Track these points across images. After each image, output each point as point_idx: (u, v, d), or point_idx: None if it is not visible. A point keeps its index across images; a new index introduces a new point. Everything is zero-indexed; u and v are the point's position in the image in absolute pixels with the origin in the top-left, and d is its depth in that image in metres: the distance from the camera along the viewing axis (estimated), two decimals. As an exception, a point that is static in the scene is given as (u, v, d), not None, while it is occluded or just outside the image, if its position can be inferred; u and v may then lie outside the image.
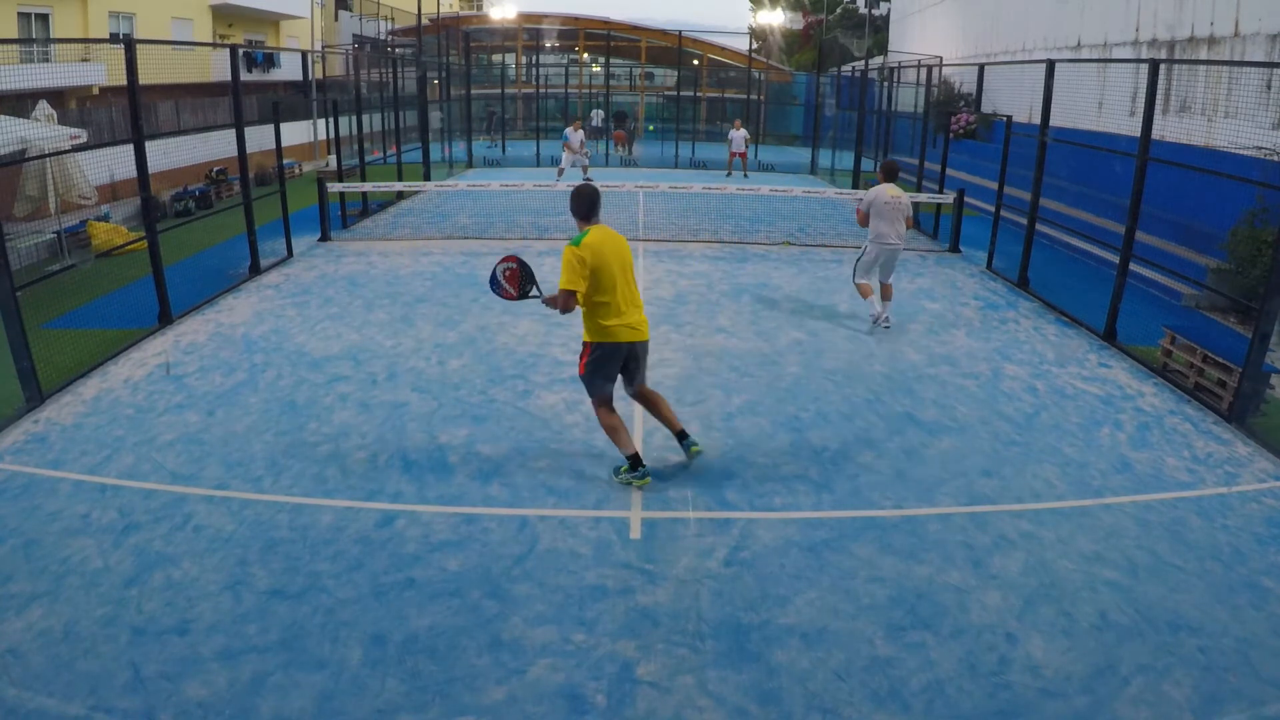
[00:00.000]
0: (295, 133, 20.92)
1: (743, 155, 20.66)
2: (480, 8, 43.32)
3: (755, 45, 37.14)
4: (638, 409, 5.56)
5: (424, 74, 19.02)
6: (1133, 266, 7.92)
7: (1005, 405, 6.24)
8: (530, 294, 5.12)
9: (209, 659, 3.42)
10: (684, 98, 26.51)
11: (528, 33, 34.60)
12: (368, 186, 13.13)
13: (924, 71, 17.94)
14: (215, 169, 16.21)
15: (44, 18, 16.52)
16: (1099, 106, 13.54)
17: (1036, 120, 9.63)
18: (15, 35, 15.45)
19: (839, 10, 37.53)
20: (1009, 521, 4.61)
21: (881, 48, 29.92)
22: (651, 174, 20.75)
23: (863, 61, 25.15)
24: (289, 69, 23.88)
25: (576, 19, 33.42)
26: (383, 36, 30.64)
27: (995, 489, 4.98)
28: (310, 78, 21.73)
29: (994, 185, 10.99)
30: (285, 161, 12.45)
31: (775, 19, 40.63)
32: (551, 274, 10.22)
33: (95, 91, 16.58)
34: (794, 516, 4.62)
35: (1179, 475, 5.24)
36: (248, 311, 8.30)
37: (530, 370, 6.71)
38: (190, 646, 3.49)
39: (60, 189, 10.14)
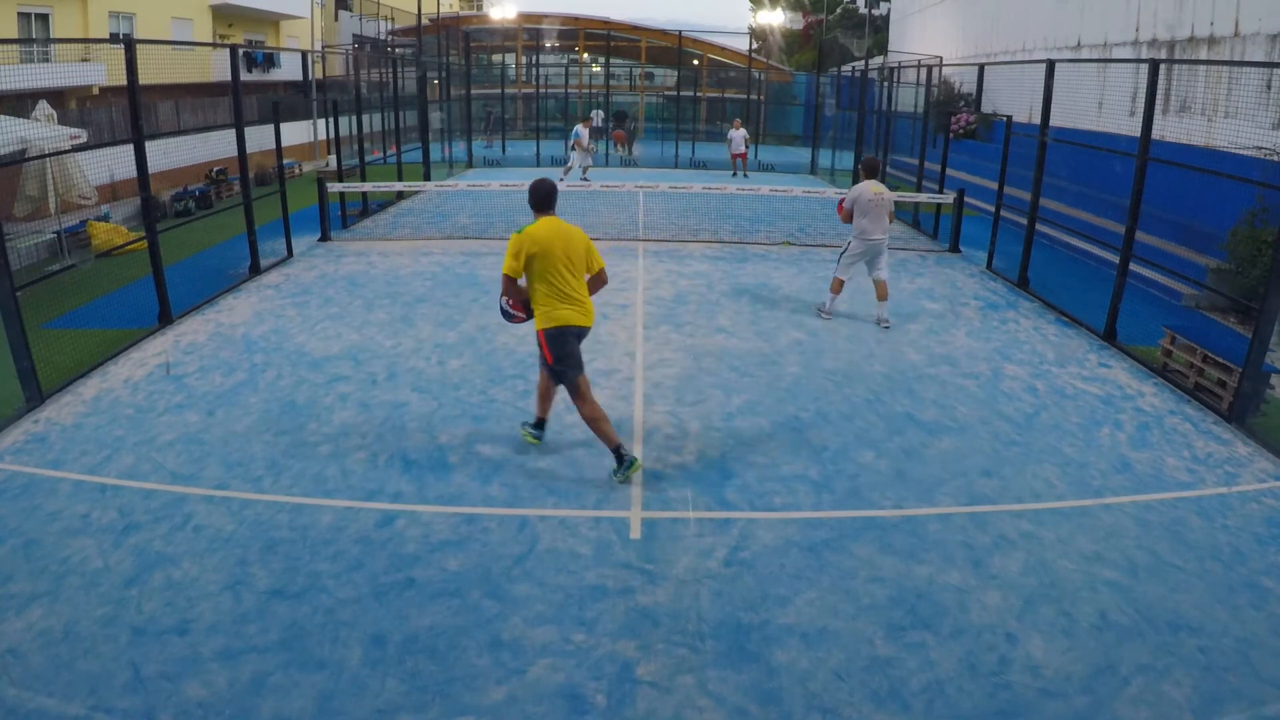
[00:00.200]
0: (295, 133, 20.91)
1: (743, 156, 20.67)
2: (480, 8, 43.32)
3: (755, 45, 37.14)
4: (632, 406, 5.54)
5: (424, 74, 19.02)
6: (1133, 266, 7.92)
7: (1005, 405, 6.24)
8: None
9: (209, 659, 3.42)
10: (684, 98, 26.50)
11: (528, 33, 34.60)
12: (368, 186, 13.13)
13: (924, 71, 17.93)
14: (215, 169, 16.20)
15: (44, 18, 16.52)
16: (1099, 106, 13.54)
17: (1036, 120, 9.63)
18: (15, 35, 15.45)
19: (839, 10, 37.53)
20: (1009, 521, 4.61)
21: (881, 48, 29.92)
22: (651, 174, 20.75)
23: (863, 61, 25.15)
24: (289, 69, 23.88)
25: (576, 19, 33.41)
26: (383, 36, 30.64)
27: (995, 489, 4.98)
28: (310, 78, 21.73)
29: (994, 185, 10.99)
30: (285, 161, 12.45)
31: (775, 19, 40.64)
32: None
33: (95, 91, 16.57)
34: (794, 516, 4.62)
35: (1179, 475, 5.24)
36: (248, 311, 8.30)
37: (530, 370, 6.71)
38: (190, 646, 3.49)
39: (60, 189, 10.14)
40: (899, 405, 6.18)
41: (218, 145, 15.71)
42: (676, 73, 28.44)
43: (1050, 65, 9.44)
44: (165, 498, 4.68)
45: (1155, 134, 7.65)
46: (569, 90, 29.90)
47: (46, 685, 3.25)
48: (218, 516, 4.49)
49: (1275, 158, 8.67)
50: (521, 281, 4.88)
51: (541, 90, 30.07)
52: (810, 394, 6.36)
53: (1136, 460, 5.41)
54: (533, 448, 5.34)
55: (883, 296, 8.15)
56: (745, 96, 29.16)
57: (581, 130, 18.13)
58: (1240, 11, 11.11)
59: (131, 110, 7.44)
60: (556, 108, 30.03)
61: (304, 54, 21.29)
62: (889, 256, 8.31)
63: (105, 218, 12.10)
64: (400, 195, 15.53)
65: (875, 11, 32.83)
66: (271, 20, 25.49)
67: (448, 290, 9.08)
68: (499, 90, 28.72)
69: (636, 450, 5.32)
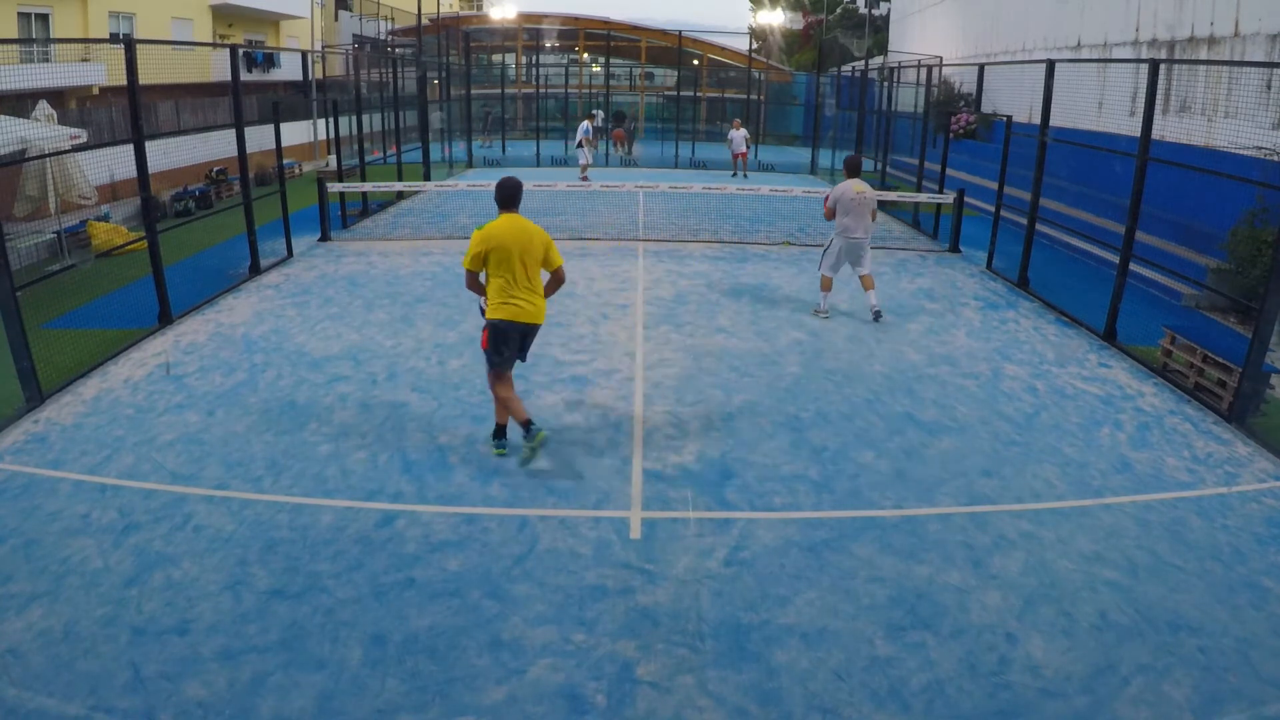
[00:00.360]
0: (295, 133, 20.91)
1: (743, 155, 20.65)
2: (480, 8, 43.31)
3: (755, 45, 37.13)
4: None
5: (424, 74, 19.02)
6: (1133, 266, 7.92)
7: (1005, 405, 6.24)
8: None
9: (209, 659, 3.42)
10: (684, 98, 26.50)
11: (528, 33, 34.60)
12: (368, 186, 13.13)
13: (924, 71, 17.94)
14: (215, 169, 16.21)
15: (44, 18, 16.51)
16: (1099, 106, 13.54)
17: (1036, 120, 9.63)
18: (15, 35, 15.44)
19: (839, 10, 37.52)
20: (1009, 521, 4.61)
21: (881, 48, 29.91)
22: (651, 174, 20.75)
23: (863, 61, 25.15)
24: (289, 69, 23.87)
25: (576, 19, 33.41)
26: (383, 36, 30.64)
27: (995, 489, 4.98)
28: (310, 78, 21.73)
29: (994, 185, 10.99)
30: (285, 161, 12.45)
31: (775, 19, 40.63)
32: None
33: (95, 91, 16.57)
34: (794, 516, 4.62)
35: (1179, 475, 5.24)
36: (248, 311, 8.30)
37: (530, 370, 6.71)
38: (190, 646, 3.49)
39: (60, 189, 10.14)
40: (899, 405, 6.18)
41: (218, 145, 15.70)
42: (676, 73, 28.44)
43: (1050, 65, 9.45)
44: (165, 498, 4.68)
45: (1155, 134, 7.65)
46: (569, 90, 29.88)
47: (46, 685, 3.25)
48: (218, 516, 4.49)
49: (1275, 158, 8.67)
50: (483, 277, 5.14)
51: (541, 90, 30.07)
52: (810, 394, 6.36)
53: (1136, 460, 5.41)
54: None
55: (869, 287, 8.32)
56: (745, 96, 29.15)
57: (589, 127, 18.28)
58: (1240, 11, 11.11)
59: (131, 110, 7.44)
60: (556, 108, 30.03)
61: (304, 54, 21.29)
62: (871, 255, 8.47)
63: (105, 218, 12.10)
64: (400, 195, 15.53)
65: (875, 11, 32.83)
66: (271, 20, 25.49)
67: (448, 290, 9.08)
68: (498, 90, 28.74)
69: (636, 449, 5.33)
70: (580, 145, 18.45)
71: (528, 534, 4.39)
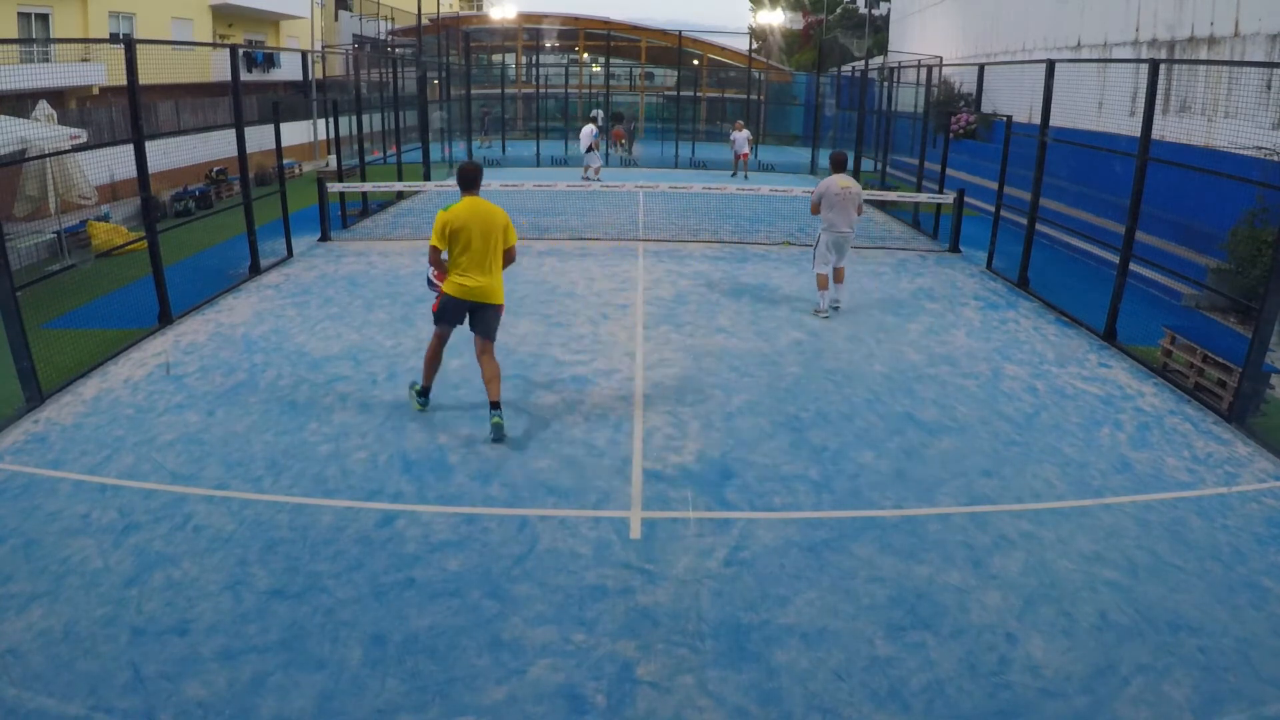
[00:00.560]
0: (295, 133, 20.91)
1: (744, 156, 20.59)
2: (480, 8, 43.31)
3: (755, 45, 37.13)
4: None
5: (424, 74, 19.02)
6: (1133, 266, 7.92)
7: (1005, 405, 6.24)
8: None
9: (209, 659, 3.42)
10: (684, 98, 26.50)
11: (528, 33, 34.60)
12: (368, 186, 13.13)
13: (924, 71, 17.94)
14: (215, 169, 16.21)
15: (44, 18, 16.52)
16: (1099, 106, 13.54)
17: (1036, 120, 9.63)
18: (15, 35, 15.44)
19: (839, 10, 37.52)
20: (1009, 521, 4.61)
21: (881, 48, 29.92)
22: (651, 174, 20.75)
23: (863, 61, 25.14)
24: (289, 69, 23.87)
25: (576, 19, 33.41)
26: (383, 36, 30.64)
27: (995, 489, 4.98)
28: (310, 78, 21.73)
29: (994, 185, 10.99)
30: (285, 161, 12.45)
31: (775, 19, 40.64)
32: (551, 273, 10.25)
33: (95, 91, 16.57)
34: (794, 516, 4.62)
35: (1179, 475, 5.24)
36: (248, 311, 8.30)
37: (530, 370, 6.71)
38: (190, 646, 3.49)
39: (60, 189, 10.14)
40: (899, 405, 6.18)
41: (218, 145, 15.70)
42: (676, 73, 28.43)
43: (1050, 65, 9.45)
44: (165, 498, 4.68)
45: (1155, 134, 7.65)
46: (569, 90, 29.89)
47: (46, 685, 3.25)
48: (218, 516, 4.49)
49: (1275, 158, 8.67)
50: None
51: (541, 90, 30.07)
52: (810, 394, 6.36)
53: (1136, 460, 5.41)
54: (532, 447, 5.34)
55: (839, 281, 8.53)
56: (745, 96, 29.15)
57: (593, 129, 18.37)
58: (1240, 11, 11.11)
59: (131, 110, 7.44)
60: (556, 108, 30.02)
61: (304, 54, 21.29)
62: (850, 252, 8.66)
63: (105, 218, 12.10)
64: (400, 195, 15.53)
65: (875, 11, 32.83)
66: (271, 20, 25.49)
67: (448, 290, 9.06)
68: (498, 90, 28.73)
69: (636, 449, 5.33)
70: (590, 149, 18.48)
71: (528, 534, 4.39)
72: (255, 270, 9.75)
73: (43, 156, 9.15)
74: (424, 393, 5.87)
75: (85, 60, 15.91)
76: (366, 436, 5.48)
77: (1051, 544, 4.39)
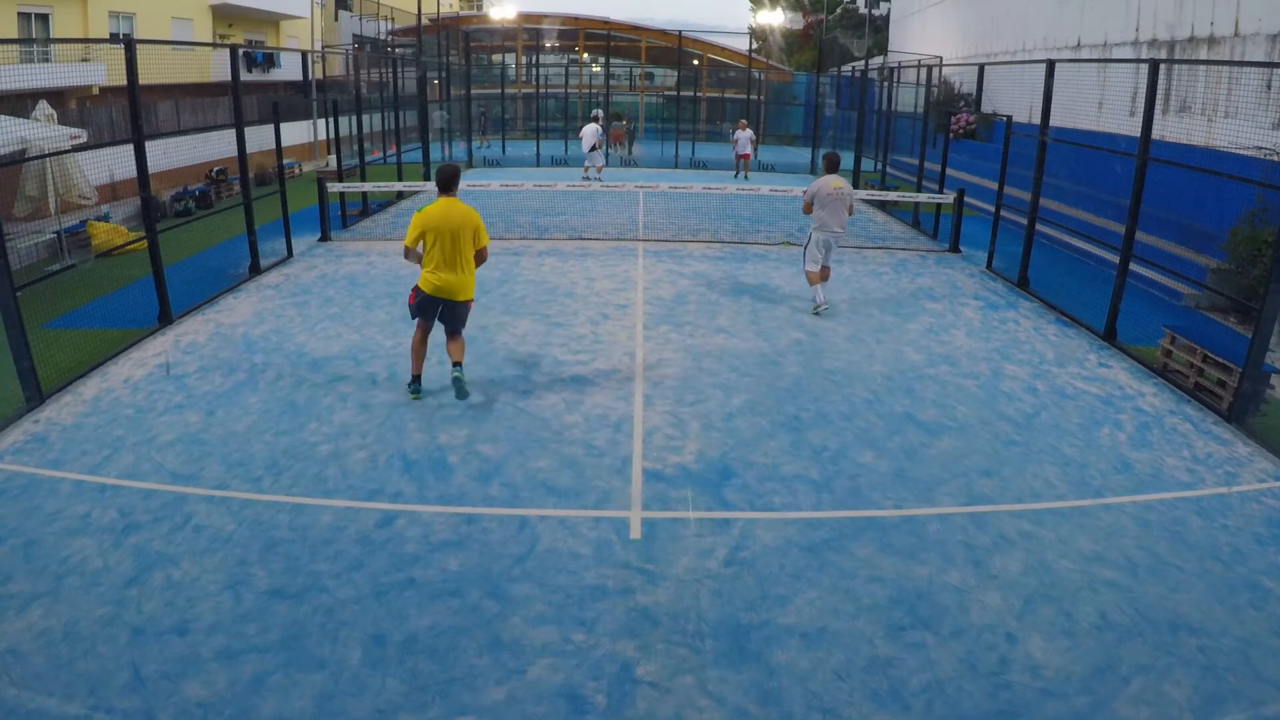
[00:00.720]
0: (295, 133, 20.91)
1: (746, 157, 20.50)
2: (480, 8, 43.32)
3: (755, 45, 37.12)
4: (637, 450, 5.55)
5: (424, 74, 19.03)
6: (1133, 266, 7.92)
7: (1005, 405, 6.24)
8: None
9: (209, 659, 3.42)
10: (684, 98, 26.49)
11: (528, 33, 34.60)
12: (368, 186, 13.13)
13: (924, 71, 17.94)
14: (215, 169, 16.20)
15: (44, 18, 16.51)
16: (1099, 106, 13.54)
17: (1036, 120, 9.63)
18: (15, 35, 15.44)
19: (839, 10, 37.53)
20: (1009, 521, 4.61)
21: (881, 48, 29.92)
22: (651, 174, 20.75)
23: (863, 61, 25.15)
24: (289, 69, 23.87)
25: (576, 19, 33.41)
26: (383, 36, 30.64)
27: (995, 489, 4.98)
28: (310, 78, 21.72)
29: (994, 185, 10.99)
30: (285, 161, 12.45)
31: (775, 19, 40.62)
32: (551, 273, 10.24)
33: (95, 91, 16.57)
34: (794, 516, 4.62)
35: (1179, 475, 5.24)
36: (248, 311, 8.30)
37: (530, 370, 6.71)
38: (190, 646, 3.49)
39: (60, 189, 10.14)
40: (899, 405, 6.18)
41: (218, 145, 15.71)
42: (676, 73, 28.42)
43: (1050, 65, 9.44)
44: (165, 498, 4.68)
45: (1155, 134, 7.65)
46: (569, 90, 29.89)
47: (46, 685, 3.25)
48: (218, 516, 4.49)
49: (1275, 158, 8.67)
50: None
51: (541, 90, 30.06)
52: (810, 394, 6.36)
53: (1136, 460, 5.41)
54: (532, 447, 5.34)
55: (824, 278, 8.66)
56: (745, 96, 29.16)
57: (597, 129, 18.40)
58: (1240, 11, 11.11)
59: (131, 110, 7.44)
60: (556, 108, 30.03)
61: (304, 54, 21.28)
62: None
63: (105, 218, 12.10)
64: (400, 195, 15.52)
65: (875, 11, 32.84)
66: (271, 20, 25.49)
67: (448, 290, 9.06)
68: (498, 90, 28.73)
69: (636, 449, 5.33)
70: (594, 149, 18.48)
71: (528, 534, 4.39)
72: (255, 270, 9.75)
73: (43, 156, 9.14)
74: (415, 380, 6.08)
75: (85, 60, 15.91)
76: (366, 436, 5.48)
77: (1051, 544, 4.39)
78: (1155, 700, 3.31)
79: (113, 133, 13.01)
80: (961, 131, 19.25)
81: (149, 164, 7.63)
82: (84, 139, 10.73)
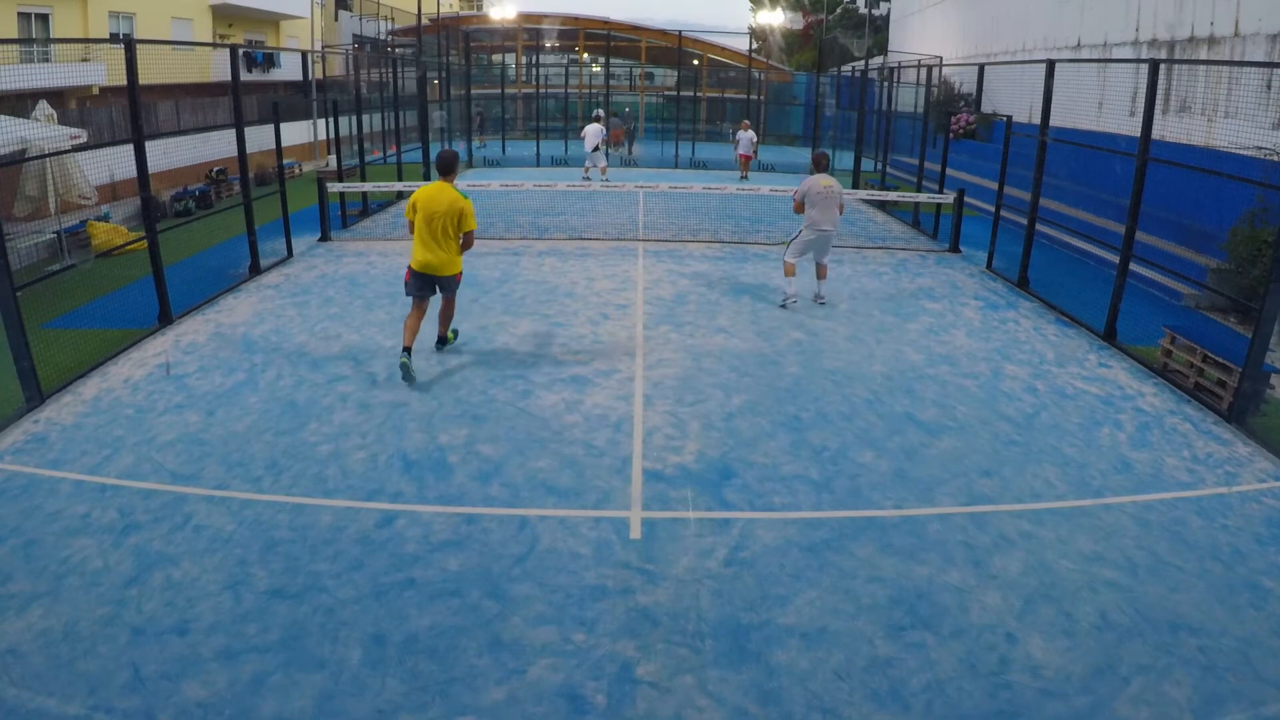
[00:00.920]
0: (295, 133, 20.91)
1: (747, 157, 20.47)
2: (480, 8, 43.32)
3: (755, 45, 37.12)
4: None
5: (424, 74, 19.02)
6: (1133, 266, 7.92)
7: (1005, 405, 6.24)
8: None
9: (209, 659, 3.42)
10: (684, 98, 26.49)
11: (528, 33, 34.59)
12: (368, 186, 13.13)
13: (924, 71, 17.94)
14: (215, 169, 16.20)
15: (44, 18, 16.52)
16: (1099, 106, 13.54)
17: (1036, 120, 9.63)
18: (15, 35, 15.45)
19: (839, 10, 37.53)
20: (1009, 521, 4.61)
21: (881, 48, 29.92)
22: (651, 174, 20.75)
23: (863, 61, 25.14)
24: (289, 69, 23.87)
25: (576, 19, 33.41)
26: (383, 36, 30.64)
27: (995, 489, 4.98)
28: (310, 78, 21.72)
29: (994, 185, 10.99)
30: (285, 161, 12.45)
31: (775, 19, 40.62)
32: (551, 273, 10.25)
33: (95, 91, 16.57)
34: (794, 516, 4.62)
35: (1179, 475, 5.24)
36: (248, 311, 8.30)
37: (530, 370, 6.71)
38: (190, 646, 3.49)
39: (60, 189, 10.14)
40: (899, 405, 6.18)
41: (218, 145, 15.71)
42: (676, 73, 28.43)
43: (1050, 65, 9.44)
44: (165, 498, 4.68)
45: (1155, 134, 7.65)
46: (569, 90, 29.89)
47: (46, 685, 3.25)
48: (218, 516, 4.49)
49: (1275, 158, 8.67)
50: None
51: (541, 90, 30.07)
52: (810, 394, 6.36)
53: (1136, 460, 5.41)
54: (532, 447, 5.34)
55: (822, 277, 8.84)
56: (745, 96, 29.15)
57: (600, 128, 18.39)
58: (1240, 11, 11.11)
59: (131, 110, 7.43)
60: (556, 108, 30.03)
61: (304, 54, 21.28)
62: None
63: (105, 218, 12.10)
64: (400, 195, 15.51)
65: (875, 11, 32.84)
66: (271, 20, 25.49)
67: (448, 290, 9.06)
68: (495, 90, 28.72)
69: (636, 449, 5.33)
70: (597, 149, 18.46)
71: (528, 534, 4.39)
72: (255, 270, 9.75)
73: (43, 156, 9.14)
74: (406, 350, 6.37)
75: (85, 60, 15.91)
76: (366, 436, 5.48)
77: (1051, 544, 4.39)
78: (1155, 700, 3.31)
79: (113, 133, 13.02)
80: (961, 131, 19.25)
81: (149, 164, 7.63)
82: (84, 139, 10.73)
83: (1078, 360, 7.35)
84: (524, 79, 33.86)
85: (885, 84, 20.46)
